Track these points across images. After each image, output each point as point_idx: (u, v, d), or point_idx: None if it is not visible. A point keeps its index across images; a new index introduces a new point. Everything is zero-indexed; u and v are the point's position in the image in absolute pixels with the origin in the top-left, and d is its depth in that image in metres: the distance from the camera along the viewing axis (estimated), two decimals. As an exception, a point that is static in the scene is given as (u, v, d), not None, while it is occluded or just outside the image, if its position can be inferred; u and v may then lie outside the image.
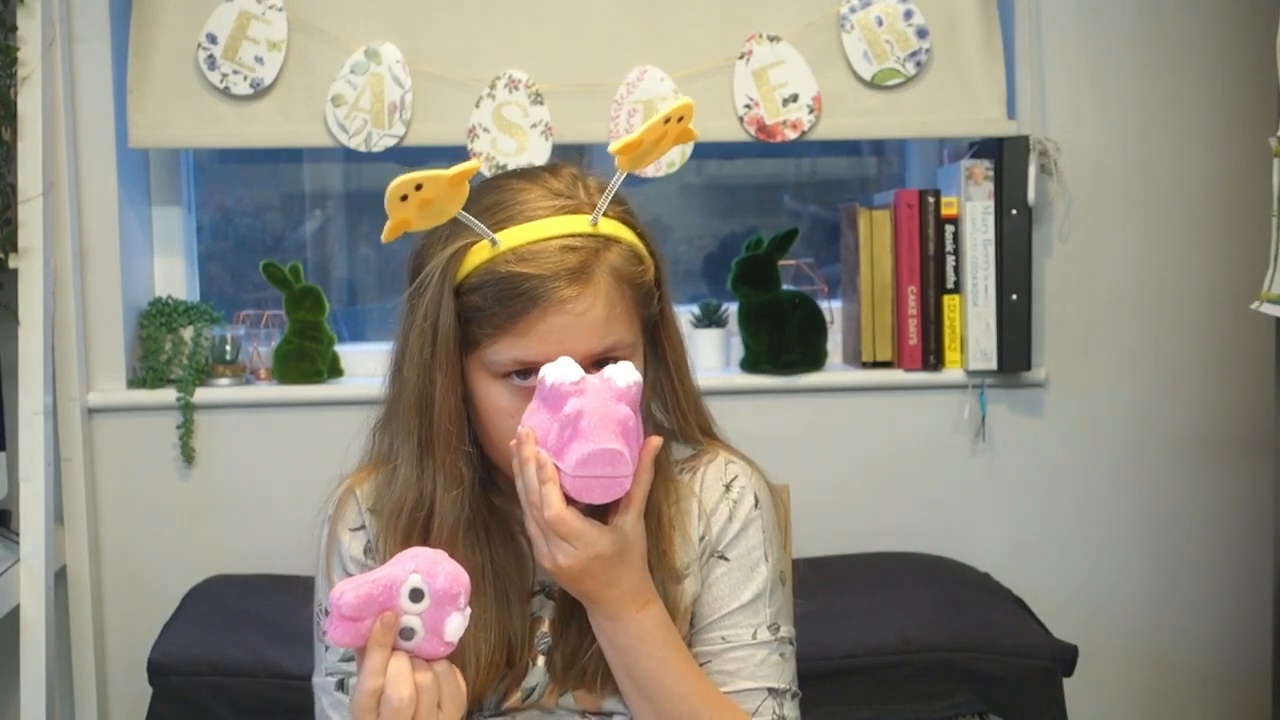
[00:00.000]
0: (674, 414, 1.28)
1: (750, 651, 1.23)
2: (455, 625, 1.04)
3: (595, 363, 1.17)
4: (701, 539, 1.26)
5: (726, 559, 1.25)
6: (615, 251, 1.18)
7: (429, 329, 1.18)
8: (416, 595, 1.03)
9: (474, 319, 1.17)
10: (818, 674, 1.90)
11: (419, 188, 1.09)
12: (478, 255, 1.17)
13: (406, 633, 1.04)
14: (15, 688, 2.02)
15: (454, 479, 1.20)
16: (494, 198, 1.20)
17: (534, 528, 1.14)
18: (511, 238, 1.16)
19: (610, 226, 1.19)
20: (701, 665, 1.23)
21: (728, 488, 1.27)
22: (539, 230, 1.16)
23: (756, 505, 1.28)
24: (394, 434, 1.24)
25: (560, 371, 1.11)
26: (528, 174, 1.23)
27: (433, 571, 1.04)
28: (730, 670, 1.23)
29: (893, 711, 1.98)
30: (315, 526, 1.30)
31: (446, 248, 1.18)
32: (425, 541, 1.19)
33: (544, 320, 1.15)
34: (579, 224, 1.17)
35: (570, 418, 1.10)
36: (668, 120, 1.15)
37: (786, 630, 1.26)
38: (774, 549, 1.27)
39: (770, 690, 1.23)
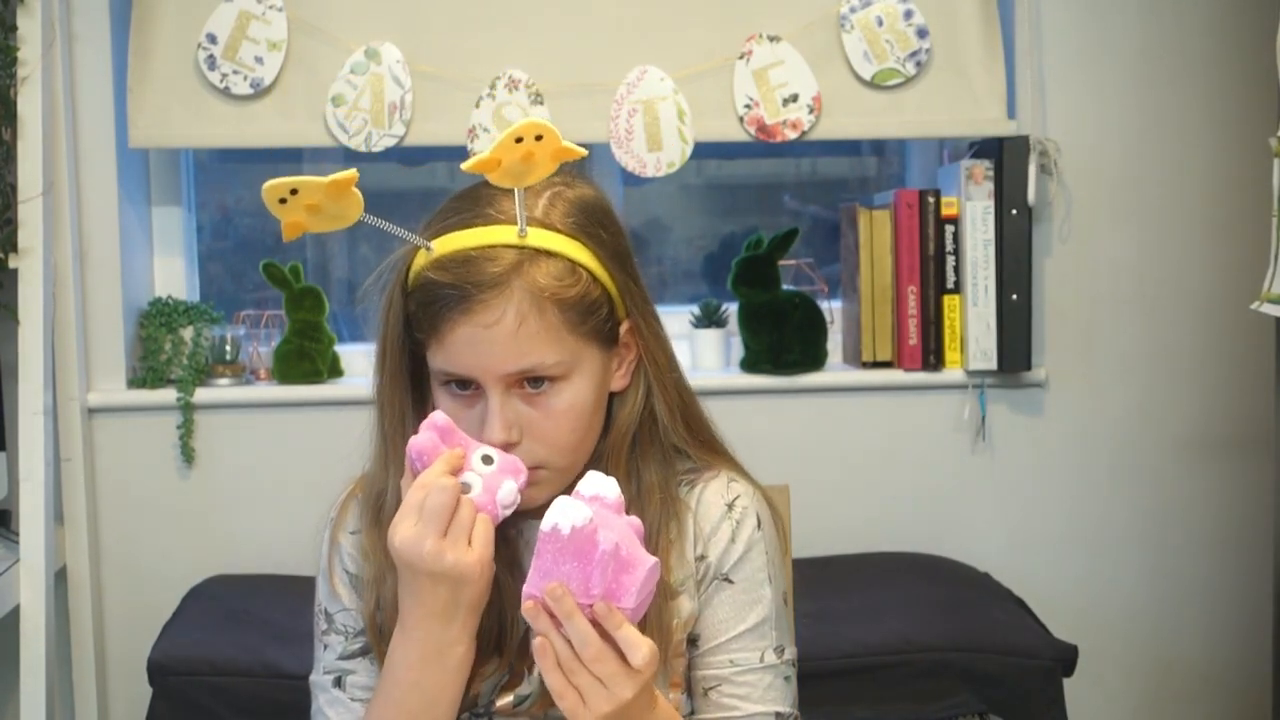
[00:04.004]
0: (670, 427, 1.26)
1: (759, 675, 1.23)
2: (508, 489, 1.13)
3: (519, 383, 1.15)
4: (701, 558, 1.24)
5: (731, 581, 1.24)
6: (540, 265, 1.14)
7: (382, 323, 1.21)
8: (486, 460, 1.14)
9: (413, 323, 1.18)
10: (818, 674, 1.90)
11: (294, 192, 1.08)
12: (420, 260, 1.17)
13: (465, 486, 1.12)
14: (15, 688, 2.02)
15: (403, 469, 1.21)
16: (452, 204, 1.20)
17: (586, 680, 1.05)
18: (443, 245, 1.16)
19: (542, 238, 1.15)
20: (710, 689, 1.23)
21: (729, 507, 1.25)
22: (466, 239, 1.15)
23: (759, 527, 1.26)
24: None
25: (569, 515, 1.02)
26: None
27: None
28: (741, 694, 1.23)
29: (893, 711, 1.98)
30: (320, 529, 1.31)
31: (402, 248, 1.19)
32: (380, 528, 1.19)
33: (454, 331, 1.13)
34: (506, 234, 1.15)
35: (611, 553, 1.04)
36: (519, 140, 1.09)
37: (790, 653, 1.26)
38: (777, 571, 1.27)
39: (777, 715, 1.23)
